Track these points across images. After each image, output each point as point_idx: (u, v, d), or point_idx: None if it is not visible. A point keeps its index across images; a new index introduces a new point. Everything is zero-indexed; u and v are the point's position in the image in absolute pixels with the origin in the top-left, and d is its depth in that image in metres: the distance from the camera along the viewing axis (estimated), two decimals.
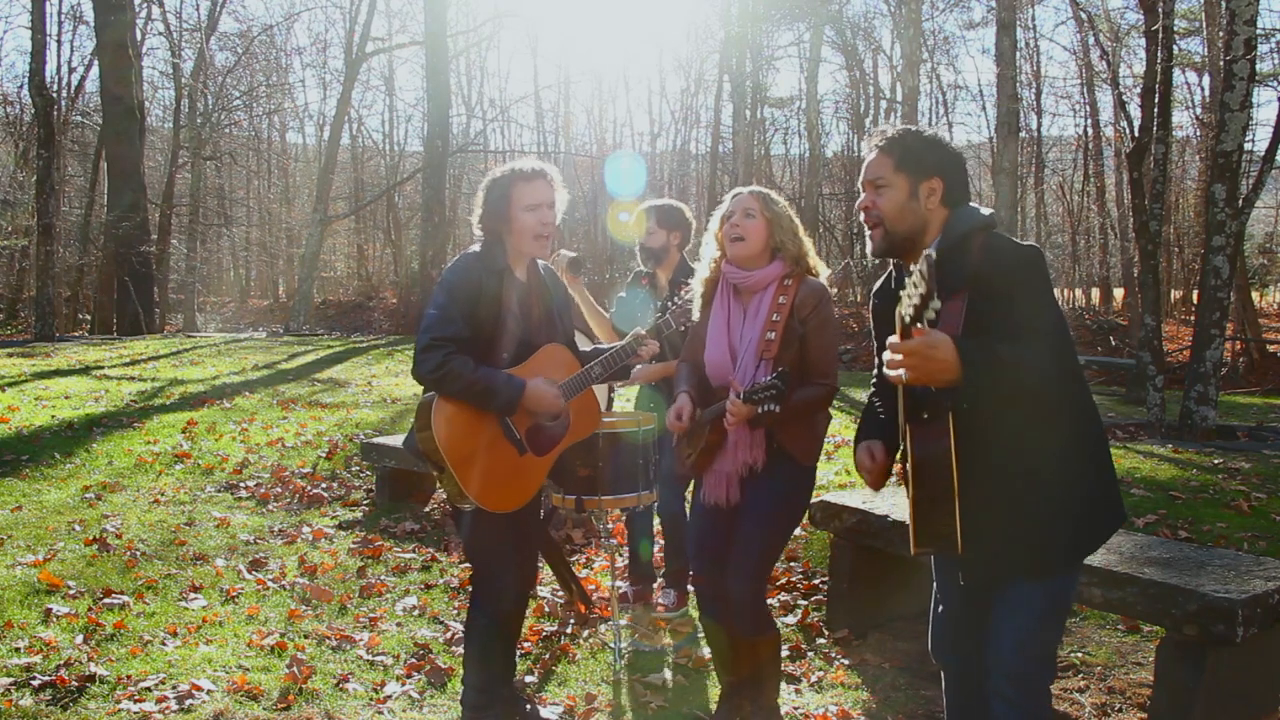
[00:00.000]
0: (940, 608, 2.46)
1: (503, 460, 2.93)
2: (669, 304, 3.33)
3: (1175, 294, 23.47)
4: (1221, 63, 8.38)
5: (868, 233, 2.32)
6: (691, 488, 3.13)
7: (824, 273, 3.00)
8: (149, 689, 3.34)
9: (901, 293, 1.93)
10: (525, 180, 2.99)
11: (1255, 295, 21.51)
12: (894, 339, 1.93)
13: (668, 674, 3.62)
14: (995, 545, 2.19)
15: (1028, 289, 2.09)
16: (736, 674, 3.10)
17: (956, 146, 2.34)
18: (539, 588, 4.48)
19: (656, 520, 4.52)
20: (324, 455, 6.94)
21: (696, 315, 3.13)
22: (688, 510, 4.22)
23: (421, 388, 2.92)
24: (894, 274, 2.40)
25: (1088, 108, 24.57)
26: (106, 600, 4.14)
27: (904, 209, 2.25)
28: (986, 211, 2.26)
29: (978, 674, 2.36)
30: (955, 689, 2.48)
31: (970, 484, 2.08)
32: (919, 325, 1.89)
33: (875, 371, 2.47)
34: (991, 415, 2.09)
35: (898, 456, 2.30)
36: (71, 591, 4.22)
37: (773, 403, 2.64)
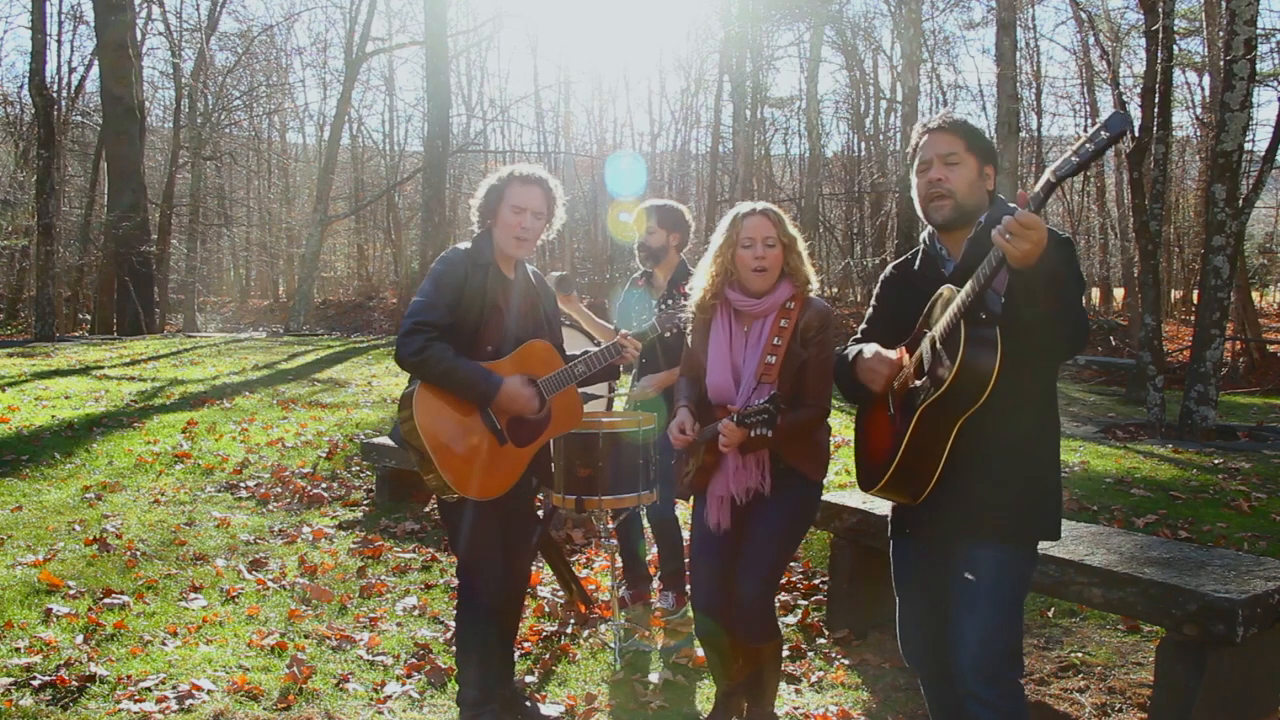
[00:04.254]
0: (903, 610, 2.49)
1: (482, 448, 2.96)
2: (664, 304, 3.32)
3: (1175, 294, 23.48)
4: (1221, 63, 8.38)
5: (933, 204, 2.36)
6: (692, 500, 3.12)
7: (814, 283, 2.96)
8: (149, 689, 3.34)
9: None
10: (522, 183, 3.07)
11: (1255, 295, 21.50)
12: (1023, 213, 1.99)
13: (667, 674, 3.62)
14: (966, 504, 2.26)
15: (1063, 270, 2.15)
16: (735, 679, 3.10)
17: None
18: (539, 588, 4.49)
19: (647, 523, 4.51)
20: (324, 455, 6.94)
21: (691, 340, 3.08)
22: (678, 515, 4.23)
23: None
24: (921, 256, 2.46)
25: (1088, 108, 24.56)
26: (106, 600, 4.14)
27: (974, 186, 2.35)
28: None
29: (951, 675, 2.38)
30: (934, 692, 2.51)
31: (962, 445, 2.18)
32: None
33: (865, 323, 2.57)
34: (1007, 367, 2.12)
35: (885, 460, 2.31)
36: (71, 591, 4.23)
37: (764, 427, 2.63)
